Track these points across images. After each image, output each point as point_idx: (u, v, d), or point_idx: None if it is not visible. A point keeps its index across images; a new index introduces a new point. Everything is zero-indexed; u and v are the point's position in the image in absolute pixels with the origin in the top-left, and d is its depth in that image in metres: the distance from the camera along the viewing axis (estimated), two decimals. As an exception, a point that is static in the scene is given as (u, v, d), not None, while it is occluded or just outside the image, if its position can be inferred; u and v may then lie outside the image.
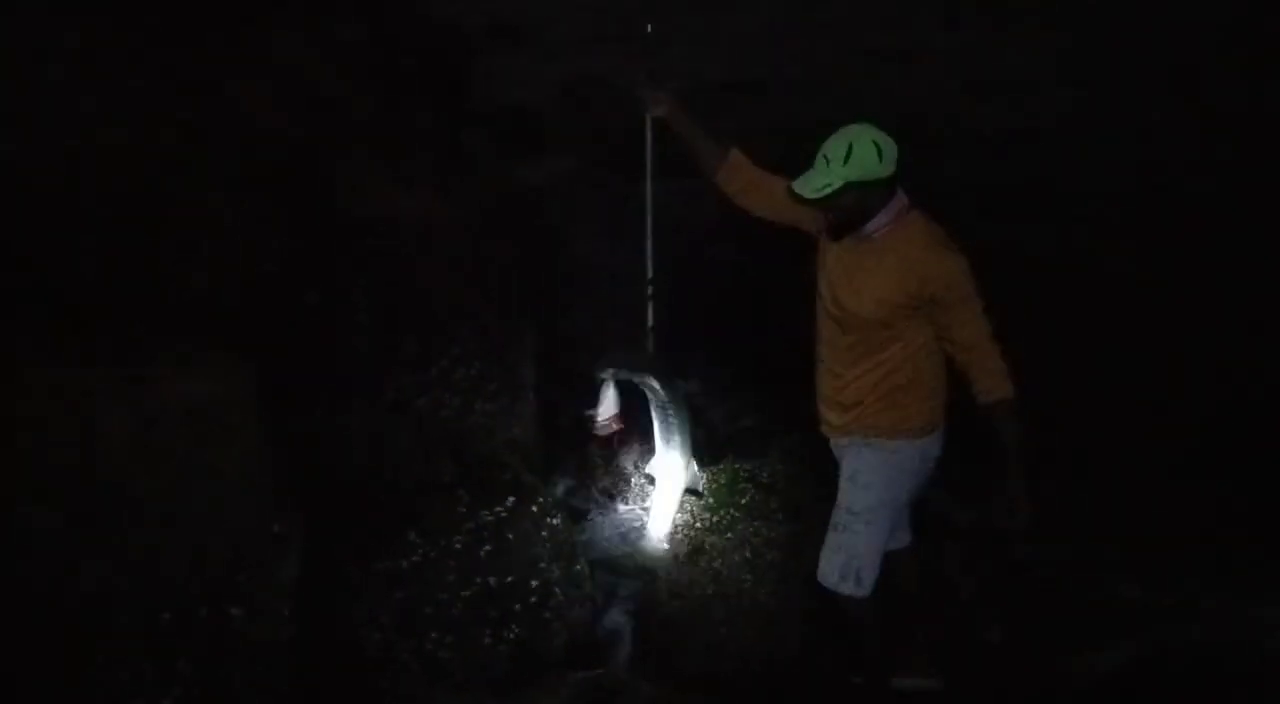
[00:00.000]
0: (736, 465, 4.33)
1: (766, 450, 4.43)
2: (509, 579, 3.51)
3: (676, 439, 3.93)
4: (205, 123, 3.66)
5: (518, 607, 3.47)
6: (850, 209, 2.98)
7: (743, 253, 4.77)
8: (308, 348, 3.67)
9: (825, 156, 2.95)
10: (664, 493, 4.03)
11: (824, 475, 3.46)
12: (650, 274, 3.80)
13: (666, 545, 4.01)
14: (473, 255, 4.18)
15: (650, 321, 3.84)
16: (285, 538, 3.20)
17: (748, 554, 3.92)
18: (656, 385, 3.82)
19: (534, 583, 3.55)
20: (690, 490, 4.07)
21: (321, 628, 3.23)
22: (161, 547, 3.05)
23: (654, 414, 3.94)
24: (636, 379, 3.85)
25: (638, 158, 3.69)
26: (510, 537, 3.60)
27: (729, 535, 4.00)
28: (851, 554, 3.16)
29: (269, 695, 3.03)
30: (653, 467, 4.06)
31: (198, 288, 3.54)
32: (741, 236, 3.65)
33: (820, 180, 2.94)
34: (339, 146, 4.02)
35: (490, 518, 3.61)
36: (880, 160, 2.91)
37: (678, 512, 4.08)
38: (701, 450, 4.13)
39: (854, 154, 2.90)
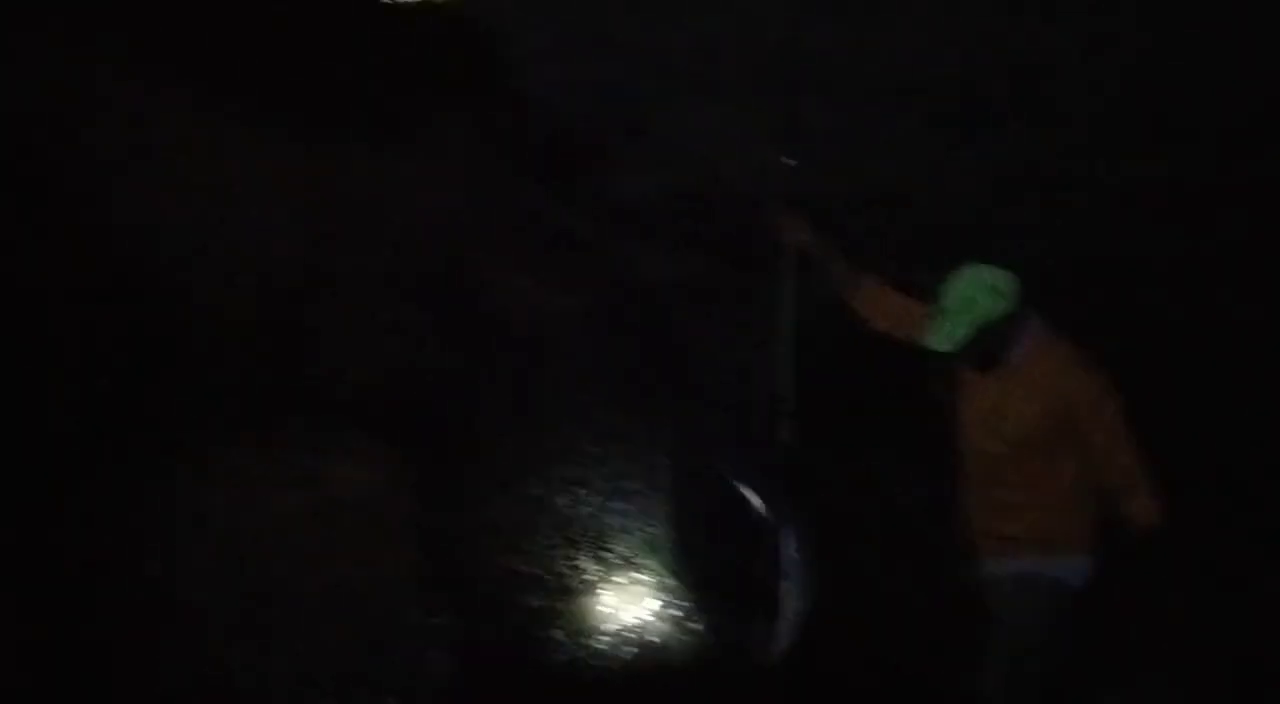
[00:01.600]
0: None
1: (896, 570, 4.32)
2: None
3: (793, 564, 3.65)
4: (346, 225, 3.81)
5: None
6: (986, 349, 3.01)
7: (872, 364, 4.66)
8: (452, 444, 3.73)
9: (948, 308, 2.99)
10: (785, 612, 3.80)
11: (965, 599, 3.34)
12: (779, 391, 3.45)
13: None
14: (607, 353, 4.23)
15: (782, 438, 3.58)
16: (438, 630, 3.21)
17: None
18: (760, 503, 3.57)
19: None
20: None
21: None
22: (318, 635, 3.09)
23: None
24: (742, 489, 3.70)
25: (768, 262, 3.61)
26: (653, 640, 3.56)
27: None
28: (1024, 679, 3.06)
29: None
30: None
31: (348, 385, 3.64)
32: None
33: (949, 330, 2.98)
34: (474, 245, 4.13)
35: (632, 620, 3.59)
36: (1001, 299, 2.96)
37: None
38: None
39: (974, 301, 2.95)
